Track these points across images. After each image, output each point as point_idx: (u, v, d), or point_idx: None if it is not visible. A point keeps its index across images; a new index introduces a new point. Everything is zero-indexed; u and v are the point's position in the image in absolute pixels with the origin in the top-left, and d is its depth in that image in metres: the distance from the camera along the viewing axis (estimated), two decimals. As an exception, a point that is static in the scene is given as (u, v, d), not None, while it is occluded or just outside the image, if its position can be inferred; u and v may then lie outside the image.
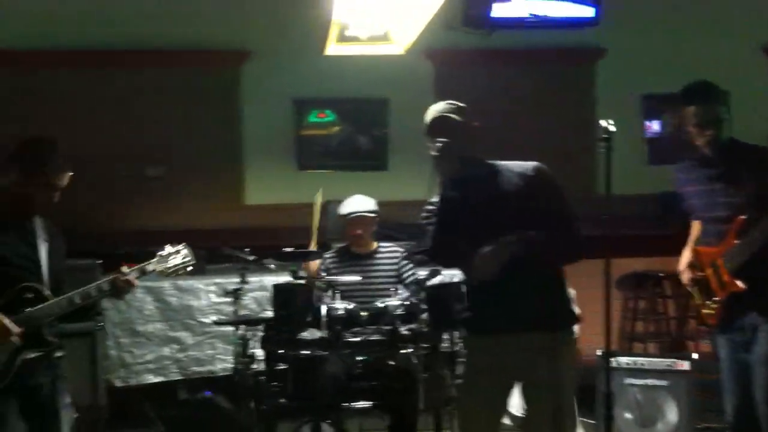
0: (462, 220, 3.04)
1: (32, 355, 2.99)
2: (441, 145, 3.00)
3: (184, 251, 3.33)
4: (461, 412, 3.13)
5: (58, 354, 3.15)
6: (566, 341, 3.07)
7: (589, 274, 3.42)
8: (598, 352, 4.35)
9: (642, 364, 4.69)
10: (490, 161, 3.15)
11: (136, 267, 3.19)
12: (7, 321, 2.89)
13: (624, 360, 4.71)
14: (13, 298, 2.96)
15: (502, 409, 3.15)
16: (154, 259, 3.28)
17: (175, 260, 3.30)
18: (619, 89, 7.24)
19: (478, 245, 2.90)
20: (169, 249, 3.32)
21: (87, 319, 4.07)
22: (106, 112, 6.80)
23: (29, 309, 2.96)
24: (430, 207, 3.16)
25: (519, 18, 5.33)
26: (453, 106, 3.16)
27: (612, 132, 3.03)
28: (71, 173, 3.12)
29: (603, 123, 3.03)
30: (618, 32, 6.87)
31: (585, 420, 4.63)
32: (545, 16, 5.22)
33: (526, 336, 2.94)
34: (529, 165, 3.10)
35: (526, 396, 3.05)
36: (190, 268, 3.35)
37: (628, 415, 4.63)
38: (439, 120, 3.13)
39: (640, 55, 7.29)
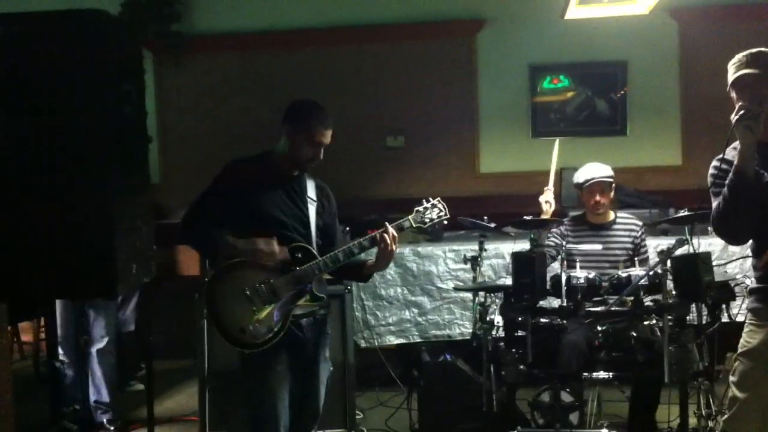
0: (761, 189, 2.74)
1: (301, 311, 3.25)
2: (749, 105, 2.67)
3: (440, 205, 3.43)
4: (742, 384, 2.93)
5: (323, 312, 3.40)
6: None
7: None
8: None
9: None
10: None
11: (395, 224, 3.33)
12: (263, 242, 3.15)
13: None
14: (285, 257, 3.22)
15: None
16: (412, 215, 3.41)
17: (431, 214, 3.41)
18: None
19: None
20: (425, 204, 3.43)
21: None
22: (350, 86, 7.17)
23: (298, 268, 3.22)
24: (718, 166, 2.87)
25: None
26: (759, 58, 2.79)
27: None
28: (330, 129, 3.31)
29: None
30: None
31: None
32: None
33: None
34: None
35: None
36: (446, 222, 3.46)
37: None
38: (746, 77, 2.78)
39: None
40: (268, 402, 3.19)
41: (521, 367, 4.02)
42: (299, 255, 3.24)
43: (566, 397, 4.00)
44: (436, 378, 4.53)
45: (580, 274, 4.09)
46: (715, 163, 2.95)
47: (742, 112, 2.68)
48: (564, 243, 4.43)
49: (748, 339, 2.95)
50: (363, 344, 5.52)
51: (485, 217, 4.58)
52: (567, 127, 7.16)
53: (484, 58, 7.13)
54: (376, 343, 5.54)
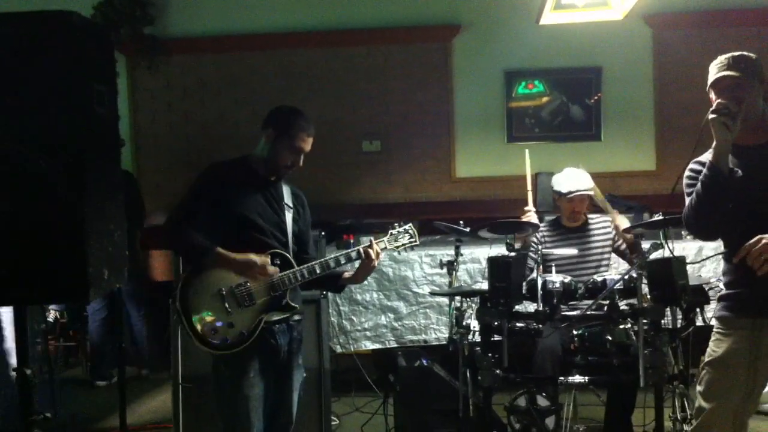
0: (738, 191, 2.75)
1: (274, 318, 3.25)
2: (727, 103, 2.70)
3: (411, 231, 3.51)
4: (709, 393, 2.93)
5: (297, 318, 3.39)
6: None
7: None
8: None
9: None
10: None
11: (376, 242, 3.39)
12: (257, 257, 3.15)
13: None
14: (275, 274, 3.22)
15: (757, 395, 2.92)
16: (386, 237, 3.47)
17: (403, 239, 3.49)
18: None
19: (754, 222, 2.69)
20: (398, 228, 3.49)
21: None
22: (327, 89, 7.15)
23: (277, 275, 3.22)
24: (696, 168, 2.89)
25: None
26: (740, 62, 2.81)
27: None
28: (311, 137, 3.32)
29: None
30: None
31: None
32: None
33: None
34: None
35: None
36: (414, 248, 3.54)
37: None
38: (726, 79, 2.80)
39: None
40: (241, 410, 3.16)
41: (497, 371, 4.02)
42: (277, 261, 3.25)
43: (542, 401, 4.00)
44: (412, 383, 4.51)
45: (556, 279, 4.09)
46: (691, 165, 2.96)
47: (720, 108, 2.70)
48: (539, 248, 4.44)
49: (714, 348, 2.94)
50: (339, 349, 5.50)
51: (461, 222, 4.58)
52: (542, 132, 7.19)
53: (460, 63, 7.14)
54: (352, 349, 5.53)
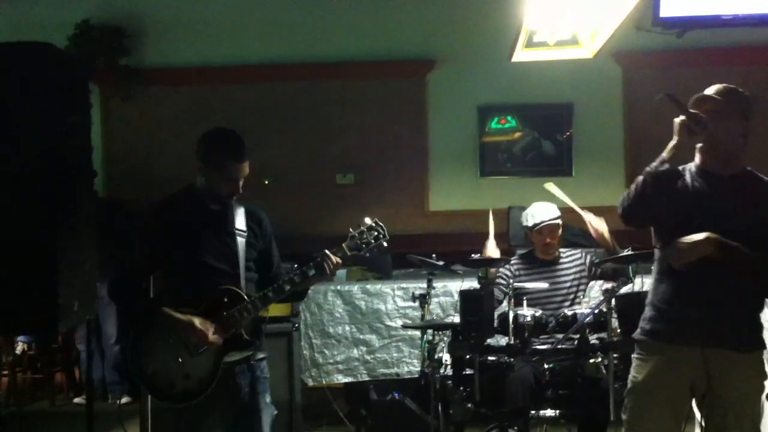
0: (688, 206, 2.91)
1: (234, 358, 3.05)
2: (698, 113, 2.85)
3: (377, 227, 3.18)
4: (633, 420, 2.93)
5: (260, 356, 3.18)
6: (757, 365, 2.87)
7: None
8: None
9: None
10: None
11: (332, 250, 3.12)
12: (199, 323, 2.96)
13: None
14: (214, 301, 3.03)
15: (679, 422, 2.93)
16: (346, 242, 3.16)
17: (368, 238, 3.17)
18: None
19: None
20: (360, 227, 3.18)
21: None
22: (301, 122, 7.19)
23: (227, 312, 3.01)
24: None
25: (716, 16, 5.06)
26: (728, 92, 2.92)
27: None
28: (245, 161, 3.07)
29: None
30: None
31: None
32: (745, 13, 4.91)
33: (717, 351, 2.78)
34: None
35: (707, 414, 2.86)
36: (385, 244, 3.19)
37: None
38: (709, 99, 2.92)
39: None
40: None
41: (469, 405, 4.01)
42: (226, 299, 3.03)
43: (513, 435, 4.00)
44: (384, 417, 4.50)
45: (527, 312, 4.11)
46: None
47: (692, 115, 2.83)
48: (511, 281, 4.47)
49: (635, 374, 2.95)
50: (310, 383, 5.45)
51: (434, 255, 4.60)
52: (514, 167, 7.26)
53: (434, 98, 7.22)
54: (324, 382, 5.48)
